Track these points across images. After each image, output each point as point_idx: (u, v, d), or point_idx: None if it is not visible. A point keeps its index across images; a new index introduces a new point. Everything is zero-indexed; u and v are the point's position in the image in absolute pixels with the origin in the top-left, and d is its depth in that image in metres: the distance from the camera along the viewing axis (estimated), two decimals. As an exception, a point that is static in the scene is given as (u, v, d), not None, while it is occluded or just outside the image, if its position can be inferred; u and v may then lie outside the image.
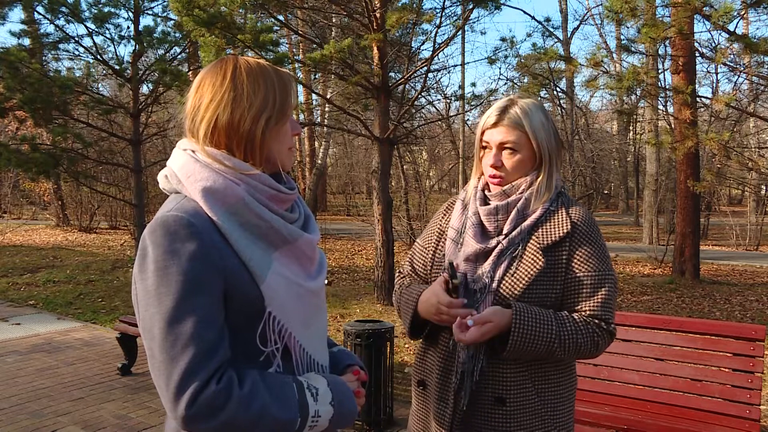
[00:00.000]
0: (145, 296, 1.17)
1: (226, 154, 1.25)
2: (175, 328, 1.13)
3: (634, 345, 3.43)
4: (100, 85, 14.80)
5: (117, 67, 10.37)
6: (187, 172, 1.24)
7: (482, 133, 1.74)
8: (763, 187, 17.21)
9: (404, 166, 17.16)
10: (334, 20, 11.14)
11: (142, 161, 11.17)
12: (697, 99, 10.13)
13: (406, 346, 5.92)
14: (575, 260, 1.63)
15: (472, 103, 10.38)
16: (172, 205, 1.22)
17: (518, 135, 1.67)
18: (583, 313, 1.62)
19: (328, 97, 13.24)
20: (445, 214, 1.87)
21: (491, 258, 1.66)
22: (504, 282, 1.63)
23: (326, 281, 1.52)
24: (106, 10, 9.95)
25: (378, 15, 7.45)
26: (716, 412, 3.09)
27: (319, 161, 18.78)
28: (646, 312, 7.60)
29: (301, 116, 17.85)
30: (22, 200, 23.30)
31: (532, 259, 1.63)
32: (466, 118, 16.88)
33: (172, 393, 1.13)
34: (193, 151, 1.26)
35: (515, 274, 1.63)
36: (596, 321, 1.62)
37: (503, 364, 1.63)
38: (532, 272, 1.62)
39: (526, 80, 17.91)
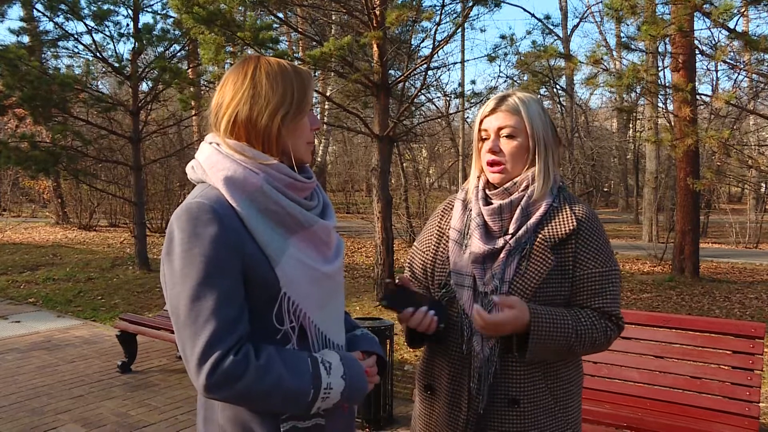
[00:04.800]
0: (172, 277, 1.27)
1: (247, 146, 1.34)
2: (198, 305, 1.23)
3: (634, 343, 3.43)
4: (99, 82, 14.82)
5: (116, 64, 10.37)
6: (211, 163, 1.33)
7: (480, 123, 1.73)
8: (763, 184, 17.21)
9: (404, 164, 17.15)
10: (333, 18, 11.12)
11: (141, 159, 11.17)
12: (697, 97, 10.11)
13: (406, 344, 5.92)
14: (582, 257, 1.63)
15: (472, 101, 10.38)
16: (198, 192, 1.33)
17: (516, 120, 1.67)
18: (595, 309, 1.63)
19: (327, 94, 13.22)
20: (443, 216, 1.84)
21: (500, 259, 1.64)
22: (515, 283, 1.62)
23: None
24: (105, 7, 9.94)
25: (378, 12, 7.44)
26: (716, 409, 3.09)
27: (319, 159, 18.77)
28: (645, 310, 7.60)
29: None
30: (21, 198, 23.30)
31: (541, 257, 1.61)
32: (465, 116, 16.86)
33: (195, 363, 1.23)
34: (218, 144, 1.36)
35: (525, 274, 1.62)
36: (607, 315, 1.64)
37: (515, 365, 1.63)
38: (542, 271, 1.61)
39: (525, 78, 17.89)
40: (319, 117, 15.40)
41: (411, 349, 5.75)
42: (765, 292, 8.73)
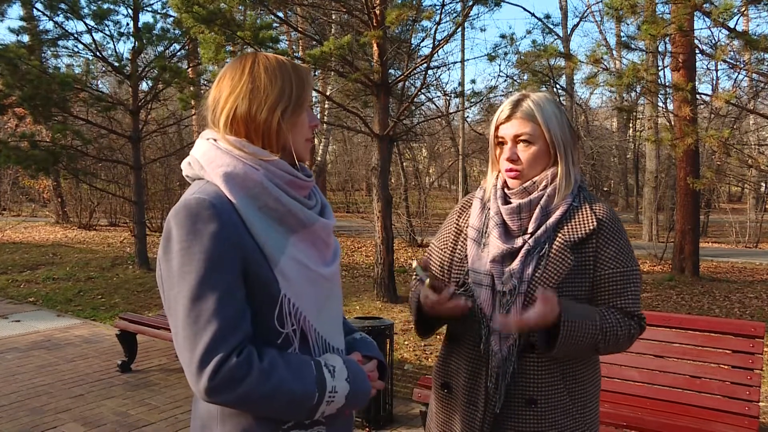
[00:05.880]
0: (170, 276, 1.22)
1: (246, 141, 1.30)
2: (198, 305, 1.19)
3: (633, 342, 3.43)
4: (99, 82, 14.81)
5: (116, 64, 10.37)
6: (209, 158, 1.29)
7: (496, 129, 1.72)
8: (763, 184, 17.22)
9: (404, 163, 17.16)
10: (333, 17, 11.12)
11: (141, 158, 11.17)
12: (697, 96, 10.12)
13: (406, 343, 5.92)
14: (603, 257, 1.62)
15: (472, 100, 10.38)
16: (195, 189, 1.28)
17: (532, 127, 1.66)
18: (617, 309, 1.63)
19: (327, 93, 13.22)
20: (461, 214, 1.82)
21: (518, 258, 1.63)
22: (533, 282, 1.61)
23: None
24: (105, 6, 9.95)
25: (378, 12, 7.44)
26: (715, 409, 3.09)
27: (319, 158, 18.77)
28: (645, 309, 7.58)
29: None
30: (21, 197, 23.28)
31: (561, 257, 1.60)
32: (465, 115, 16.85)
33: (196, 366, 1.18)
34: (215, 140, 1.32)
35: (544, 274, 1.61)
36: (630, 315, 1.63)
37: (533, 365, 1.62)
38: (561, 271, 1.60)
39: (525, 77, 17.88)
40: (319, 116, 15.42)
41: (410, 346, 5.75)
42: (765, 292, 8.73)
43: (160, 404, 4.43)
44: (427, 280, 1.60)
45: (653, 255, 12.14)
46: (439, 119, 19.32)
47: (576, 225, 1.64)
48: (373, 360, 1.50)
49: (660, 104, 11.51)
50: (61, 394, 4.62)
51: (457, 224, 1.82)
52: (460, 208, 1.85)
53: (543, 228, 1.64)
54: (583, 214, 1.65)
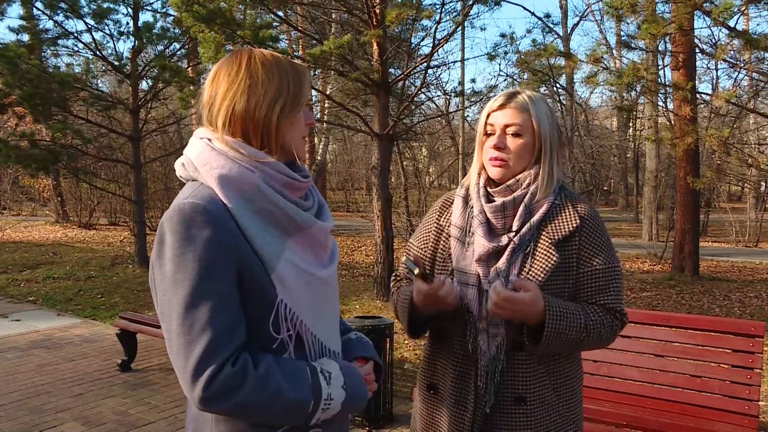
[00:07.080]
0: (163, 282, 1.19)
1: (243, 142, 1.26)
2: (192, 313, 1.16)
3: (633, 341, 3.43)
4: (99, 81, 14.78)
5: (116, 63, 10.37)
6: (204, 159, 1.25)
7: (487, 117, 1.71)
8: (763, 183, 17.20)
9: (404, 163, 17.16)
10: (333, 16, 11.12)
11: (141, 157, 11.17)
12: (697, 95, 10.11)
13: (406, 342, 5.92)
14: (586, 254, 1.63)
15: (472, 99, 10.38)
16: (189, 192, 1.24)
17: (524, 119, 1.66)
18: (600, 305, 1.64)
19: (327, 93, 13.22)
20: (442, 212, 1.81)
21: (504, 257, 1.63)
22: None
23: None
24: (105, 5, 9.95)
25: (377, 11, 7.43)
26: (715, 408, 3.09)
27: (319, 157, 18.79)
28: (645, 308, 7.60)
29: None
30: (21, 197, 23.28)
31: (546, 255, 1.61)
32: (465, 115, 16.86)
33: (190, 375, 1.16)
34: (210, 140, 1.28)
35: (530, 272, 1.61)
36: (612, 312, 1.65)
37: (521, 363, 1.62)
38: (547, 268, 1.60)
39: (525, 76, 17.88)
40: (319, 115, 15.42)
41: (410, 345, 5.75)
42: (765, 291, 8.73)
43: (160, 403, 4.43)
44: (417, 270, 1.58)
45: (653, 254, 12.14)
46: (439, 118, 19.33)
47: (559, 223, 1.65)
48: (369, 362, 1.47)
49: (660, 103, 11.52)
50: (61, 394, 4.62)
51: (438, 223, 1.81)
52: (440, 207, 1.84)
53: (527, 226, 1.64)
54: (566, 212, 1.66)
